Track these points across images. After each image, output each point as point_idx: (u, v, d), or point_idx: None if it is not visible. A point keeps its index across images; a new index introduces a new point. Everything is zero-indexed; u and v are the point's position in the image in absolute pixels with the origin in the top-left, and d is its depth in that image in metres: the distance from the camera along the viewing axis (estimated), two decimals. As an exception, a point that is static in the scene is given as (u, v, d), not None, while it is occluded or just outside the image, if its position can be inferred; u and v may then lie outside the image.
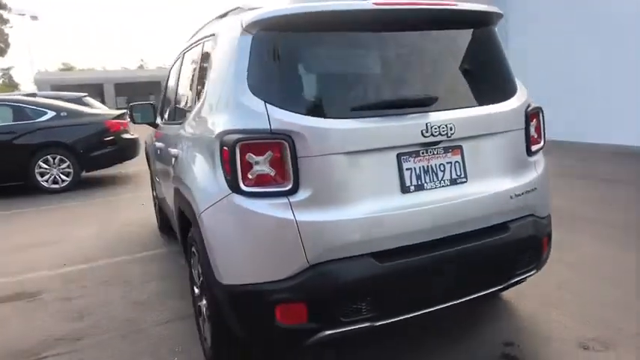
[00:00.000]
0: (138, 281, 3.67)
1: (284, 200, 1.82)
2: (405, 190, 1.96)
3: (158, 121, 3.82)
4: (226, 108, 1.97)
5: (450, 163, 2.05)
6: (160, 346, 2.67)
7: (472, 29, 2.20)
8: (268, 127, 1.82)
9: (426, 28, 2.12)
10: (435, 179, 2.01)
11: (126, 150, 8.15)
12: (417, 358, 2.38)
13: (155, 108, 3.92)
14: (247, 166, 1.82)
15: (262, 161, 1.82)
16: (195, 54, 2.74)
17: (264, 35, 1.92)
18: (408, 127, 1.94)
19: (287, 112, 1.83)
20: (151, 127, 4.02)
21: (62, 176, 7.54)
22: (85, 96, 10.87)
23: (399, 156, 1.95)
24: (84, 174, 7.99)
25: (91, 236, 4.97)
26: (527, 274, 2.24)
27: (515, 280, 2.21)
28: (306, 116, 1.83)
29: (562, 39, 8.92)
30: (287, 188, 1.82)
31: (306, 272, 1.83)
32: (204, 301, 2.33)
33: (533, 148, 2.31)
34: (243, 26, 1.94)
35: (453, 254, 1.98)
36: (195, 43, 2.80)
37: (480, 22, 2.22)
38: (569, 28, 8.76)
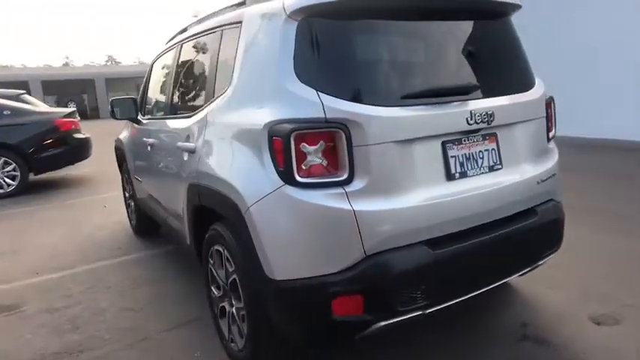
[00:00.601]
0: (125, 287, 3.45)
1: (340, 190, 1.77)
2: (450, 177, 1.98)
3: (144, 115, 3.60)
4: (271, 97, 1.89)
5: (488, 150, 2.09)
6: (175, 353, 2.53)
7: (499, 19, 2.26)
8: (323, 115, 1.76)
9: (463, 17, 2.15)
10: (476, 166, 2.05)
11: (78, 150, 7.64)
12: (445, 346, 2.42)
13: (136, 103, 3.71)
14: (301, 157, 1.76)
15: (316, 151, 1.76)
16: (208, 43, 2.59)
17: (310, 22, 1.86)
18: (453, 115, 1.96)
19: (341, 100, 1.79)
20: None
21: (7, 180, 6.93)
22: (23, 93, 10.05)
23: (444, 144, 1.97)
24: (32, 177, 7.40)
25: (59, 242, 4.61)
26: (550, 256, 2.34)
27: (542, 261, 2.30)
28: (360, 104, 1.79)
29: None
30: (342, 178, 1.78)
31: (362, 263, 1.79)
32: (233, 302, 2.23)
33: (550, 135, 2.41)
34: (287, 13, 1.87)
35: (495, 239, 2.03)
36: (204, 32, 2.66)
37: (503, 13, 2.28)
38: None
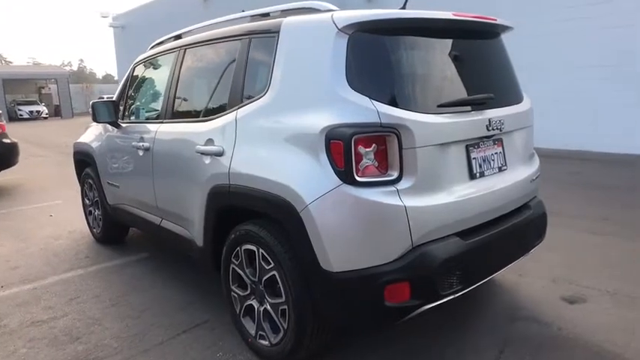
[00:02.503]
0: (113, 295, 3.33)
1: (392, 188, 1.97)
2: (472, 176, 2.26)
3: (127, 119, 3.51)
4: (324, 103, 2.03)
5: (497, 153, 2.41)
6: (196, 355, 2.54)
7: (495, 38, 2.60)
8: (378, 121, 1.95)
9: (482, 37, 2.46)
10: (489, 167, 2.36)
11: (5, 157, 7.02)
12: (450, 331, 2.69)
13: (116, 106, 3.61)
14: (359, 158, 1.93)
15: (371, 153, 1.95)
16: (229, 50, 2.65)
17: (359, 36, 2.05)
18: (477, 122, 2.25)
19: (391, 107, 1.99)
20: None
21: None
22: None
23: (467, 147, 2.24)
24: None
25: (11, 254, 4.27)
26: (537, 245, 2.71)
27: (532, 250, 2.66)
28: (407, 111, 2.01)
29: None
30: (393, 177, 1.98)
31: (410, 254, 2.00)
32: (268, 298, 2.32)
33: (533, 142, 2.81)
34: (339, 27, 2.04)
35: (506, 230, 2.35)
36: (220, 39, 2.71)
37: (498, 33, 2.63)
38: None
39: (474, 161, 2.27)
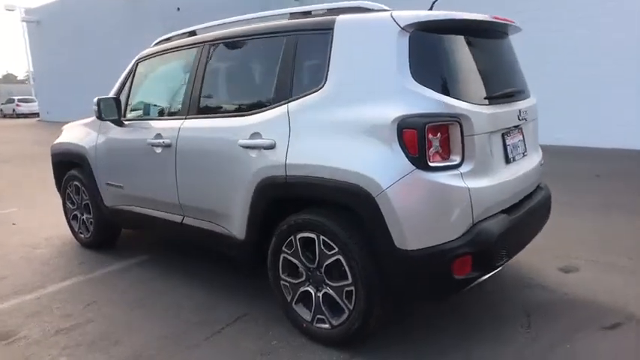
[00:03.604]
0: (131, 299, 3.24)
1: (457, 172, 2.19)
2: (508, 161, 2.54)
3: (131, 116, 3.41)
4: (391, 96, 2.20)
5: (520, 140, 2.72)
6: (249, 345, 2.59)
7: (507, 37, 2.90)
8: (445, 111, 2.16)
9: (501, 37, 2.74)
10: (517, 153, 2.65)
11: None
12: (475, 302, 2.97)
13: (119, 103, 3.50)
14: (430, 145, 2.13)
15: (438, 140, 2.15)
16: (270, 46, 2.71)
17: (419, 34, 2.24)
18: (512, 113, 2.53)
19: (452, 98, 2.21)
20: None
21: None
22: None
23: (503, 135, 2.52)
24: None
25: (-9, 265, 3.95)
26: (545, 224, 3.07)
27: (542, 228, 3.01)
28: (465, 102, 2.24)
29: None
30: (457, 162, 2.20)
31: (471, 230, 2.23)
32: (330, 282, 2.43)
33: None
34: (402, 26, 2.22)
35: (532, 208, 2.66)
36: (256, 35, 2.76)
37: (508, 33, 2.94)
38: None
39: (508, 147, 2.55)
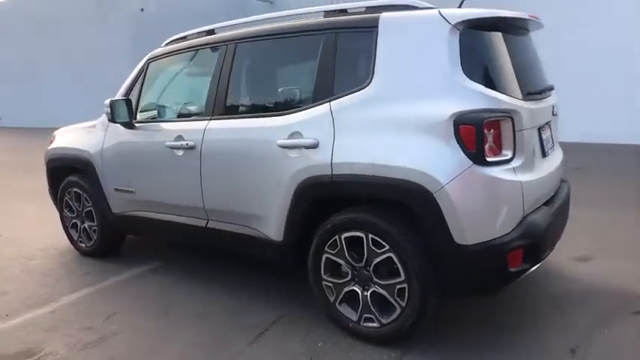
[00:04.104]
0: (152, 308, 3.09)
1: (510, 166, 2.23)
2: (544, 155, 2.61)
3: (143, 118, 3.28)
4: (446, 92, 2.21)
5: (549, 135, 2.79)
6: (296, 347, 2.55)
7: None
8: (498, 107, 2.20)
9: (528, 33, 2.80)
10: (549, 147, 2.73)
11: None
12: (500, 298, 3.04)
13: (131, 105, 3.36)
14: (486, 140, 2.16)
15: (492, 135, 2.19)
16: (307, 44, 2.67)
17: (468, 32, 2.27)
18: (547, 109, 2.61)
19: (503, 94, 2.25)
20: None
21: None
22: None
23: (539, 130, 2.59)
24: None
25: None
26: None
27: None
28: (515, 98, 2.29)
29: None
30: (509, 157, 2.24)
31: (522, 223, 2.28)
32: (378, 280, 2.42)
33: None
34: (452, 23, 2.24)
35: (565, 200, 2.76)
36: (298, 33, 2.70)
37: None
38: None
39: (544, 142, 2.63)
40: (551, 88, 2.70)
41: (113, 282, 3.55)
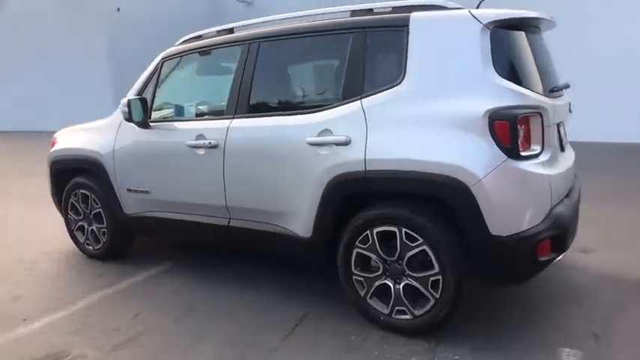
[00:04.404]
0: (175, 307, 3.07)
1: (539, 160, 2.34)
2: (562, 149, 2.74)
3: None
4: (479, 90, 2.30)
5: (564, 130, 2.91)
6: (329, 342, 2.59)
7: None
8: (529, 103, 2.30)
9: (541, 32, 2.89)
10: (565, 142, 2.86)
11: None
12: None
13: (146, 105, 3.34)
14: (518, 135, 2.25)
15: (524, 131, 2.29)
16: (336, 42, 2.71)
17: (497, 31, 2.37)
18: (566, 105, 2.73)
19: (531, 91, 2.36)
20: None
21: None
22: None
23: (558, 125, 2.71)
24: None
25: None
26: None
27: None
28: (540, 95, 2.40)
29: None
30: (538, 151, 2.35)
31: (549, 215, 2.39)
32: (412, 273, 2.49)
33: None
34: (484, 23, 2.33)
35: (578, 192, 2.89)
36: (325, 31, 2.74)
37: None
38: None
39: (562, 137, 2.75)
40: (567, 86, 2.83)
41: (129, 283, 3.51)
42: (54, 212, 4.32)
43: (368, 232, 2.57)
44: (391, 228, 2.50)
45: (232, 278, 3.49)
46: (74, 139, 3.97)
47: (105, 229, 3.85)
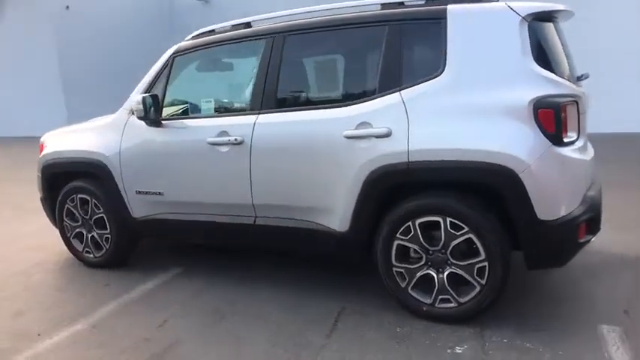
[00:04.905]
0: (204, 312, 2.95)
1: (576, 146, 2.44)
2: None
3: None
4: (522, 79, 2.37)
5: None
6: (375, 335, 2.58)
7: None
8: (568, 92, 2.40)
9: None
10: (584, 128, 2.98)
11: None
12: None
13: (159, 102, 3.20)
14: (562, 122, 2.34)
15: (564, 118, 2.38)
16: (371, 35, 2.69)
17: (534, 23, 2.46)
18: (587, 94, 2.86)
19: (566, 80, 2.46)
20: None
21: None
22: None
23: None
24: None
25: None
26: None
27: None
28: (572, 84, 2.50)
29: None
30: (575, 138, 2.45)
31: (585, 199, 2.51)
32: (456, 262, 2.52)
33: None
34: (522, 15, 2.41)
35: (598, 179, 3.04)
36: (357, 24, 2.72)
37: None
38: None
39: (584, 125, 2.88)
40: (587, 76, 2.97)
41: (142, 291, 3.34)
42: (36, 220, 4.06)
43: (410, 223, 2.59)
44: (435, 218, 2.53)
45: (249, 279, 3.40)
46: (69, 140, 3.73)
47: (108, 235, 3.64)
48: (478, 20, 2.51)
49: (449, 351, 2.41)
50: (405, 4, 2.73)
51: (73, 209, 3.74)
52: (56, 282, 3.62)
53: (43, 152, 3.84)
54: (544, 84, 2.37)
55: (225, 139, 2.97)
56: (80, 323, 2.92)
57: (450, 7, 2.54)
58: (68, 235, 3.83)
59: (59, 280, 3.66)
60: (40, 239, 4.44)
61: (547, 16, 2.58)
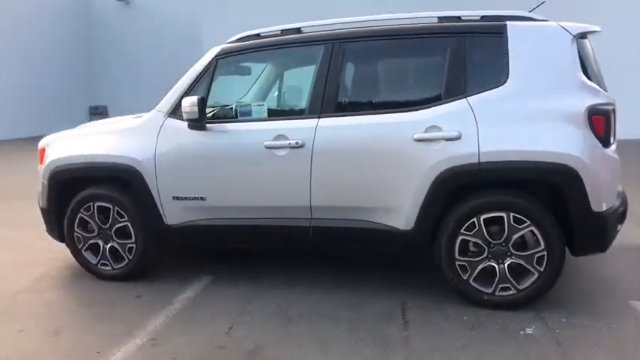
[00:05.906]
0: (266, 319, 2.90)
1: (613, 147, 2.84)
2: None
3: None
4: (576, 89, 2.70)
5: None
6: (446, 325, 2.76)
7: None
8: (610, 100, 2.79)
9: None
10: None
11: None
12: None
13: (205, 105, 3.11)
14: (611, 127, 2.73)
15: (612, 123, 2.77)
16: (435, 46, 2.89)
17: (580, 41, 2.82)
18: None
19: (604, 90, 2.85)
20: None
21: None
22: None
23: None
24: None
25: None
26: None
27: None
28: (607, 93, 2.91)
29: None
30: (613, 140, 2.85)
31: (619, 193, 2.93)
32: (517, 252, 2.79)
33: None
34: (573, 34, 2.76)
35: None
36: (420, 35, 2.90)
37: None
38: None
39: None
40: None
41: (184, 300, 3.20)
42: (22, 233, 3.69)
43: (474, 219, 2.81)
44: (499, 213, 2.78)
45: (293, 280, 3.42)
46: (83, 144, 3.45)
47: (132, 245, 3.42)
48: (535, 36, 2.82)
49: (521, 332, 2.66)
50: (462, 18, 2.97)
51: (87, 219, 3.46)
52: (75, 297, 3.33)
53: (49, 159, 3.51)
54: (593, 93, 2.74)
55: (284, 142, 2.99)
56: (137, 338, 2.74)
57: (509, 23, 2.83)
58: (80, 247, 3.53)
59: (76, 295, 3.37)
60: (22, 253, 4.03)
61: (585, 34, 2.96)
